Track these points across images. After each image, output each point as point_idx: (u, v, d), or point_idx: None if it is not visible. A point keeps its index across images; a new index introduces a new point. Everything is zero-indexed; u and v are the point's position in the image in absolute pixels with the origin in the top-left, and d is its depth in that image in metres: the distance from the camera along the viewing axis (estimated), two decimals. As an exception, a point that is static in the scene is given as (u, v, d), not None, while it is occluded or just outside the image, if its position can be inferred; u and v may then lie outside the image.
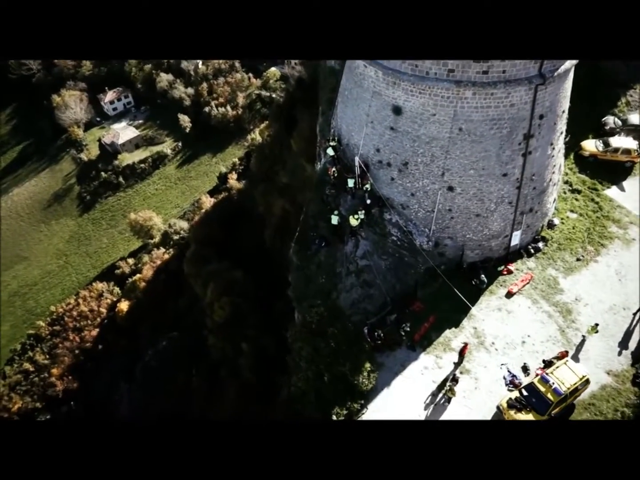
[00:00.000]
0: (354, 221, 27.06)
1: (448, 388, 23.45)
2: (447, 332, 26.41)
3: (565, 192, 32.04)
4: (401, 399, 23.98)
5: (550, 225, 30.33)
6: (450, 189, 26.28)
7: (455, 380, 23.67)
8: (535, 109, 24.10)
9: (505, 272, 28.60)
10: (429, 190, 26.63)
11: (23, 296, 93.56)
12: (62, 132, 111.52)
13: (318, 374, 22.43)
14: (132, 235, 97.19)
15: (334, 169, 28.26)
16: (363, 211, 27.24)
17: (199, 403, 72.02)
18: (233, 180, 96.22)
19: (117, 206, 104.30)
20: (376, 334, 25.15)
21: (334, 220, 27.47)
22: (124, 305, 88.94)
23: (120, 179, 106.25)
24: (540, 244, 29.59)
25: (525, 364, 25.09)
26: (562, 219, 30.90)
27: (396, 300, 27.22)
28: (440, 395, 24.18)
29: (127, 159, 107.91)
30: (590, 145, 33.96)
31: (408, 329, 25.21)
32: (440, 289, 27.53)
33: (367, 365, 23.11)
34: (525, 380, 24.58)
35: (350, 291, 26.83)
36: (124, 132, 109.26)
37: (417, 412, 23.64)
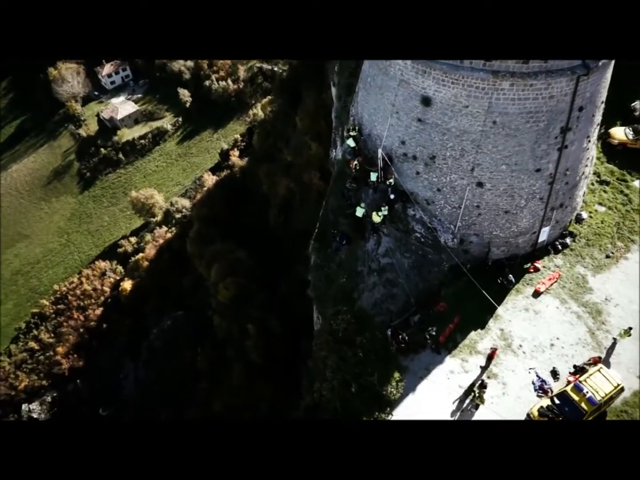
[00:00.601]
0: (377, 218, 25.48)
1: (476, 395, 22.37)
2: (473, 334, 25.18)
3: (593, 184, 30.40)
4: (427, 405, 22.90)
5: (578, 220, 28.80)
6: (480, 184, 24.62)
7: (483, 386, 22.55)
8: (575, 100, 22.26)
9: (532, 270, 27.21)
10: (456, 185, 24.98)
11: (26, 274, 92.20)
12: (60, 107, 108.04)
13: (345, 383, 21.28)
14: (133, 214, 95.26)
15: (355, 161, 26.47)
16: (386, 207, 25.64)
17: (205, 382, 71.82)
18: (235, 157, 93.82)
19: (118, 183, 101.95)
20: (400, 337, 23.92)
21: (359, 212, 25.80)
22: (127, 285, 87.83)
23: (120, 155, 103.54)
24: (568, 240, 28.13)
25: (554, 368, 23.96)
26: (590, 212, 29.36)
27: (419, 300, 25.88)
28: (468, 401, 23.13)
29: (127, 134, 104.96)
30: (620, 133, 32.11)
31: (434, 334, 23.93)
32: (465, 287, 26.20)
33: (396, 375, 21.92)
34: (554, 386, 23.52)
35: (373, 291, 25.47)
36: (122, 106, 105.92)
37: (443, 418, 22.61)
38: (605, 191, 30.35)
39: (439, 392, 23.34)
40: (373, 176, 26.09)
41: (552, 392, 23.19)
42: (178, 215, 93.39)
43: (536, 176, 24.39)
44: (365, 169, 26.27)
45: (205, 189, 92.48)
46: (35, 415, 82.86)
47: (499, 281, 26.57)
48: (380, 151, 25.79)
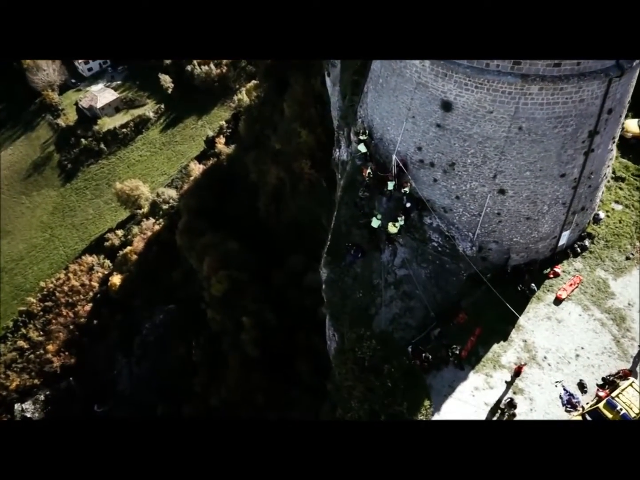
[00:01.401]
0: (393, 229, 23.87)
1: (507, 417, 21.28)
2: (495, 347, 24.01)
3: (608, 181, 29.10)
4: (453, 425, 21.77)
5: (596, 220, 27.60)
6: (502, 192, 23.10)
7: (513, 406, 21.46)
8: (606, 103, 20.71)
9: (551, 275, 26.03)
10: (477, 193, 23.43)
11: (10, 272, 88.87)
12: (36, 96, 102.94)
13: (372, 413, 19.95)
14: (119, 206, 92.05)
15: (369, 170, 24.65)
16: (403, 217, 24.02)
17: (201, 376, 70.48)
18: (221, 145, 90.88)
19: (101, 174, 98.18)
20: (424, 355, 22.57)
21: (375, 223, 24.12)
22: (116, 279, 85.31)
23: (102, 145, 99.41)
24: (587, 242, 26.95)
25: (581, 380, 22.97)
26: (607, 211, 28.17)
27: (438, 312, 24.55)
28: (495, 419, 22.07)
29: (108, 123, 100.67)
30: (633, 126, 30.78)
31: (457, 352, 22.64)
32: (484, 297, 24.95)
33: (427, 402, 20.66)
34: (583, 399, 22.57)
35: (390, 305, 24.03)
36: (102, 94, 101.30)
37: (470, 439, 21.51)
38: (621, 188, 29.15)
39: (464, 410, 22.20)
40: (390, 185, 24.36)
41: (580, 405, 22.26)
42: (165, 207, 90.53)
43: (560, 181, 22.96)
44: (379, 177, 24.52)
45: (192, 178, 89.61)
46: (28, 415, 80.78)
47: (519, 288, 25.35)
48: (394, 157, 24.04)
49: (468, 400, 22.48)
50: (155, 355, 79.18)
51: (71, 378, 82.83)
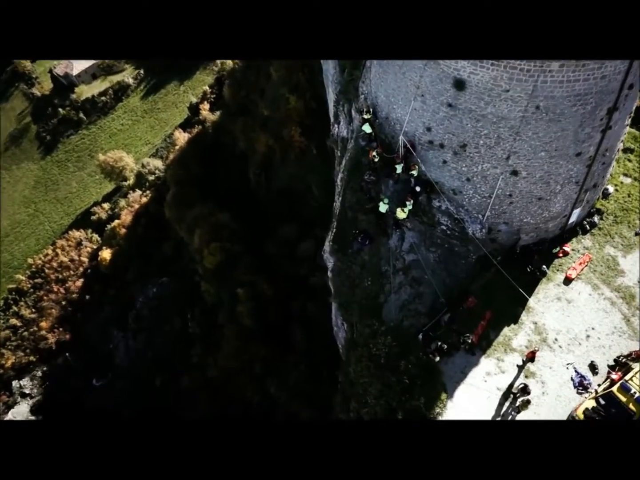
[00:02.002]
0: (402, 214, 22.77)
1: (521, 403, 20.98)
2: (506, 330, 23.52)
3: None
4: (466, 411, 21.44)
5: (605, 195, 26.78)
6: (515, 173, 22.00)
7: (527, 392, 21.15)
8: (627, 78, 19.43)
9: (561, 254, 25.35)
10: (488, 175, 22.30)
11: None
12: (6, 65, 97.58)
13: (389, 409, 19.47)
14: (103, 178, 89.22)
15: (374, 152, 23.24)
16: (411, 201, 22.89)
17: (198, 347, 70.43)
18: (206, 112, 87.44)
19: (82, 146, 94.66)
20: (438, 344, 21.94)
21: (383, 208, 22.94)
22: (106, 254, 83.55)
23: (81, 114, 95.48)
24: (596, 218, 26.20)
25: (592, 362, 22.67)
26: (615, 185, 27.31)
27: (448, 297, 23.87)
28: (507, 404, 21.83)
29: (85, 91, 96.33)
30: (641, 94, 29.42)
31: (469, 341, 22.08)
32: (494, 279, 24.30)
33: (444, 396, 20.22)
34: (594, 381, 22.37)
35: (399, 292, 23.24)
36: (77, 61, 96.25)
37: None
38: (629, 160, 28.21)
39: (477, 396, 21.88)
40: (398, 168, 23.04)
41: (591, 387, 22.08)
42: (151, 178, 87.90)
43: (575, 160, 21.90)
44: (386, 159, 23.17)
45: (177, 147, 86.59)
46: (27, 391, 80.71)
47: (529, 269, 24.69)
48: (402, 138, 22.67)
49: (480, 386, 22.14)
50: (150, 328, 78.75)
51: (67, 353, 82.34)
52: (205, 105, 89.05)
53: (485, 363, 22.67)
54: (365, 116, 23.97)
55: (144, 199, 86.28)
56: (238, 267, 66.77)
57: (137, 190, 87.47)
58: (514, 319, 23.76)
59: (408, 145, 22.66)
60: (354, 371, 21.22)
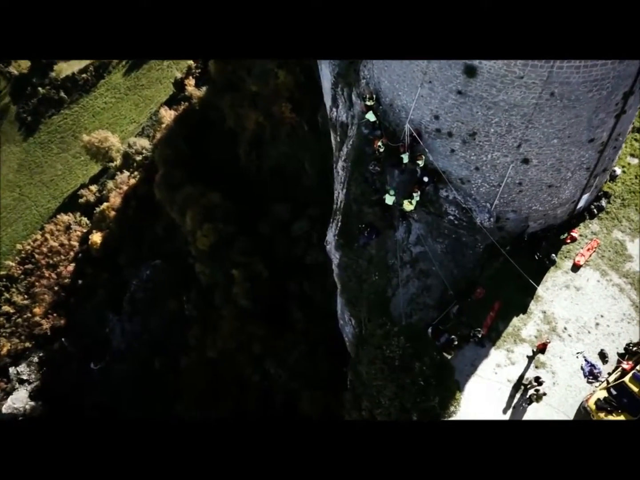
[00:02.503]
0: (409, 206, 21.87)
1: (534, 394, 20.71)
2: (515, 320, 23.08)
3: (623, 133, 27.24)
4: (478, 404, 21.15)
5: (612, 177, 26.04)
6: (525, 161, 21.09)
7: (539, 383, 20.86)
8: (645, 61, 18.40)
9: (568, 241, 24.75)
10: (498, 163, 21.37)
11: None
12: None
13: (403, 410, 19.04)
14: (89, 159, 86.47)
15: (379, 142, 22.10)
16: (418, 192, 21.96)
17: (195, 329, 69.99)
18: (191, 87, 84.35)
19: (65, 126, 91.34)
20: (450, 337, 21.39)
21: (389, 200, 21.98)
22: (96, 237, 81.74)
23: (62, 93, 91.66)
24: (603, 202, 25.52)
25: (602, 350, 22.42)
26: (623, 167, 26.56)
27: (456, 288, 23.28)
28: (518, 396, 21.58)
29: (65, 69, 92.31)
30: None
31: (480, 335, 21.57)
32: (502, 269, 23.73)
33: (458, 395, 19.82)
34: (604, 369, 22.15)
35: (407, 285, 22.58)
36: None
37: (496, 417, 21.08)
38: (636, 139, 27.38)
39: (488, 388, 21.59)
40: (405, 157, 21.96)
41: (602, 376, 21.88)
42: (139, 158, 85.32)
43: (587, 147, 21.03)
44: (391, 149, 22.10)
45: (163, 125, 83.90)
46: (25, 377, 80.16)
47: (537, 257, 24.11)
48: (407, 126, 21.56)
49: (491, 378, 21.81)
50: (146, 311, 77.89)
51: (63, 339, 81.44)
52: (191, 81, 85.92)
53: (495, 354, 22.30)
54: (368, 103, 22.74)
55: (133, 181, 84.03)
56: (232, 248, 65.71)
57: (124, 171, 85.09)
58: (523, 308, 23.31)
59: (414, 134, 21.58)
60: (367, 373, 20.70)
